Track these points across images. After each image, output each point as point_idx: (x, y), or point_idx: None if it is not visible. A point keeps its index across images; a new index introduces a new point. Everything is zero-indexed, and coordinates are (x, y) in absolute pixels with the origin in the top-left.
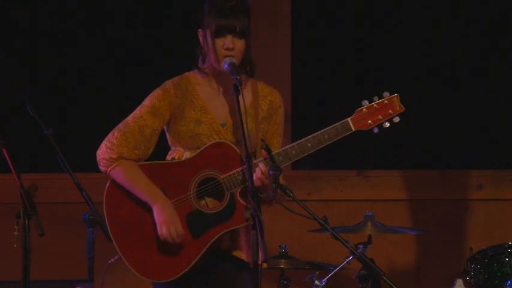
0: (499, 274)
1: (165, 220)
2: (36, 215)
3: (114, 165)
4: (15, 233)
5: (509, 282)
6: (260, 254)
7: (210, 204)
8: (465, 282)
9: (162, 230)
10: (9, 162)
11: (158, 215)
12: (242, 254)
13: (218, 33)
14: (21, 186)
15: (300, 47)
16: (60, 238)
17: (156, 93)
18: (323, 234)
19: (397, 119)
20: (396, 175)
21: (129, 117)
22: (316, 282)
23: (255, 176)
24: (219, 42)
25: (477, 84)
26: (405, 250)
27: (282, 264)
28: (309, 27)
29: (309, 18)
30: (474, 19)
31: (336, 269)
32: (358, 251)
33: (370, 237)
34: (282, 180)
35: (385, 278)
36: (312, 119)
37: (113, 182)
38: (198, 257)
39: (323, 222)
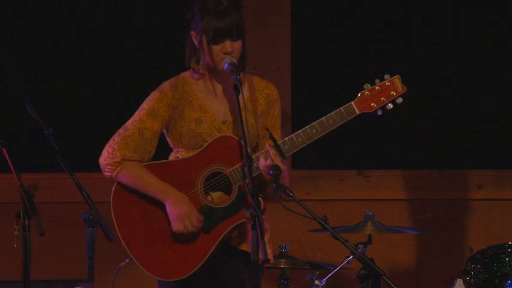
0: (499, 274)
1: (178, 214)
2: (36, 215)
3: (119, 168)
4: (15, 232)
5: (509, 282)
6: (260, 253)
7: (217, 199)
8: (465, 282)
9: (177, 226)
10: (9, 162)
11: (171, 211)
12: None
13: (216, 39)
14: (21, 186)
15: (300, 47)
16: (60, 238)
17: (154, 95)
18: (323, 234)
19: (400, 100)
20: (396, 175)
21: (129, 122)
22: (316, 282)
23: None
24: (217, 48)
25: (477, 84)
26: (405, 250)
27: (282, 264)
28: (309, 27)
29: (309, 18)
30: (474, 19)
31: (336, 269)
32: (358, 250)
33: (370, 237)
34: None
35: (385, 278)
36: (312, 119)
37: (119, 184)
38: (210, 253)
39: (323, 222)
